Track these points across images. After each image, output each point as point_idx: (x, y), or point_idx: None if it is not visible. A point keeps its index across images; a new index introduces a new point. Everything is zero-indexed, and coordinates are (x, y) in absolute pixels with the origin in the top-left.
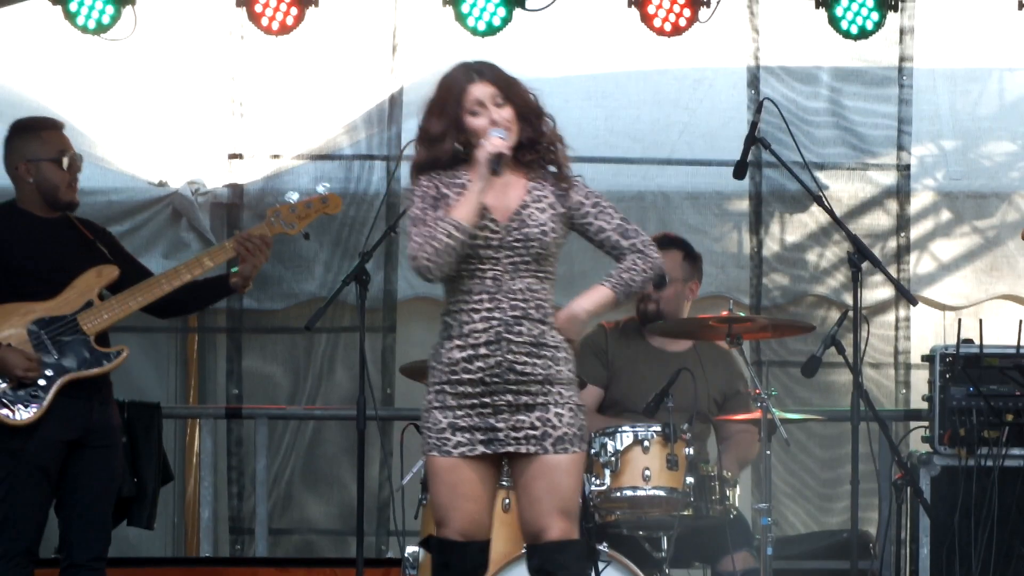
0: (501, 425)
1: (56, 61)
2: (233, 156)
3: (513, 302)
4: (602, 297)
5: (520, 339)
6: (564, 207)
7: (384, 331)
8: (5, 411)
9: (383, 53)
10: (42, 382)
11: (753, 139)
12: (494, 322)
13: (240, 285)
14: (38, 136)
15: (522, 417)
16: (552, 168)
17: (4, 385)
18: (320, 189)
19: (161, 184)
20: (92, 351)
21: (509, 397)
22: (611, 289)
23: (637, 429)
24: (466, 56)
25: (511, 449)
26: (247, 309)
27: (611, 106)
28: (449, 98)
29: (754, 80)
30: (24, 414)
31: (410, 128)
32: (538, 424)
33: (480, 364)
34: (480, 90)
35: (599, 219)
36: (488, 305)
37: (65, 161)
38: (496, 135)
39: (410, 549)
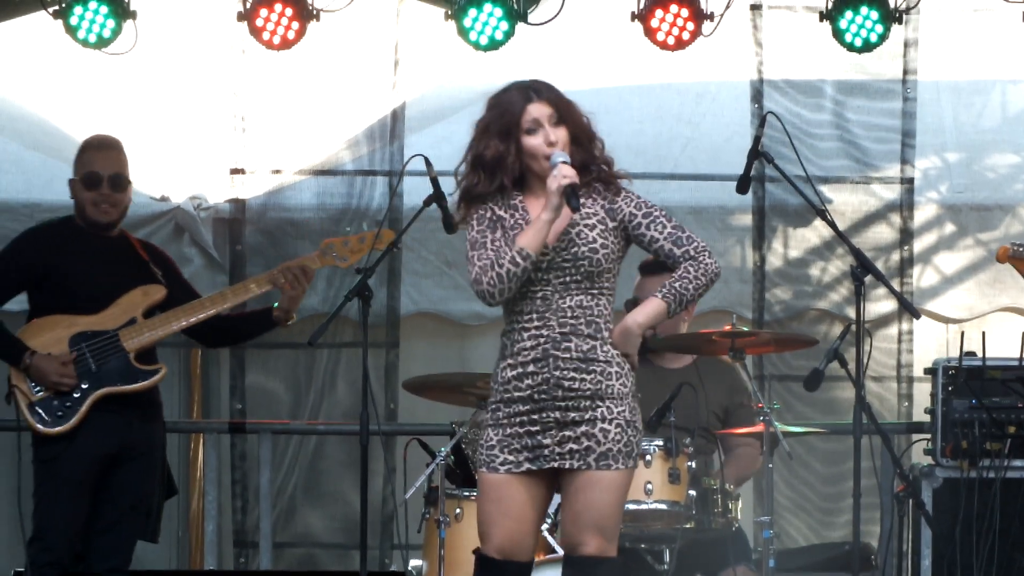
0: (548, 441)
1: (57, 75)
2: (235, 171)
3: (562, 319)
4: (655, 309)
5: (567, 355)
6: (615, 220)
7: (387, 347)
8: (38, 421)
9: (385, 67)
10: (77, 394)
11: (756, 153)
12: (542, 339)
13: (282, 319)
14: (80, 156)
15: (568, 432)
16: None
17: (41, 394)
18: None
19: (163, 199)
20: (130, 367)
21: (557, 414)
22: (663, 300)
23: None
24: (468, 71)
25: (555, 464)
26: None
27: (614, 120)
28: (507, 119)
29: (757, 94)
30: (57, 425)
31: (412, 143)
32: (583, 439)
33: (528, 382)
34: (537, 109)
35: (651, 229)
36: (537, 323)
37: (90, 181)
38: (561, 160)
39: (413, 563)
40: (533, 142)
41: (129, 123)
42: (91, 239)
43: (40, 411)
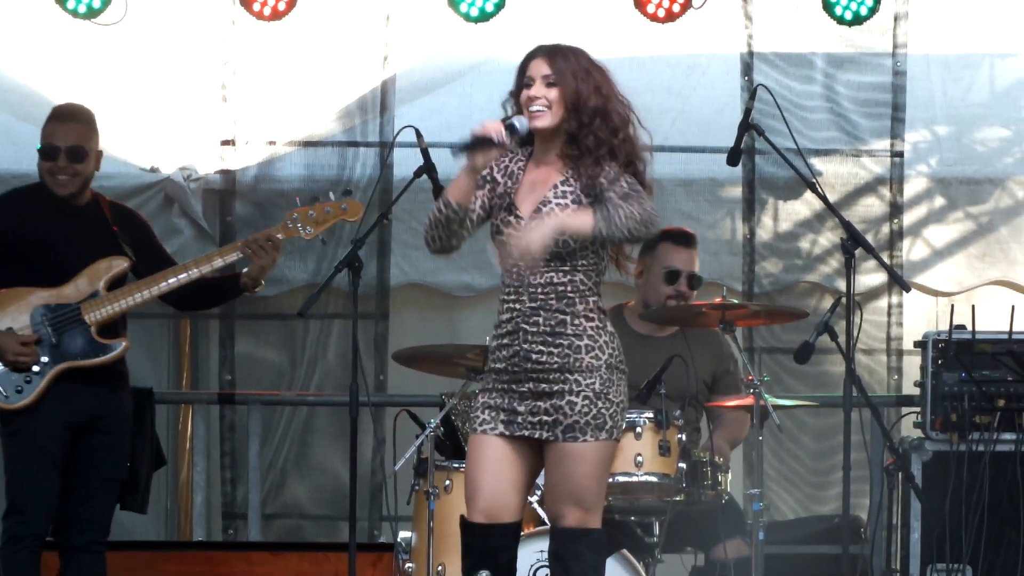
0: (521, 409)
1: (47, 46)
2: (225, 142)
3: (532, 294)
4: (580, 220)
5: (535, 329)
6: (590, 197)
7: (377, 318)
8: None
9: (376, 39)
10: (37, 368)
11: (747, 126)
12: (514, 313)
13: (250, 285)
14: (44, 126)
15: (540, 403)
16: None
17: (0, 369)
18: (332, 196)
19: (153, 170)
20: (92, 341)
21: (530, 384)
22: (593, 214)
23: (629, 415)
24: (459, 43)
25: (526, 433)
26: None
27: None
28: (519, 72)
29: (747, 67)
30: (16, 400)
31: (403, 114)
32: (551, 411)
33: (504, 353)
34: (536, 65)
35: (608, 190)
36: (512, 297)
37: (46, 151)
38: (515, 122)
39: (402, 534)
40: (523, 94)
41: (119, 94)
42: (59, 207)
43: None
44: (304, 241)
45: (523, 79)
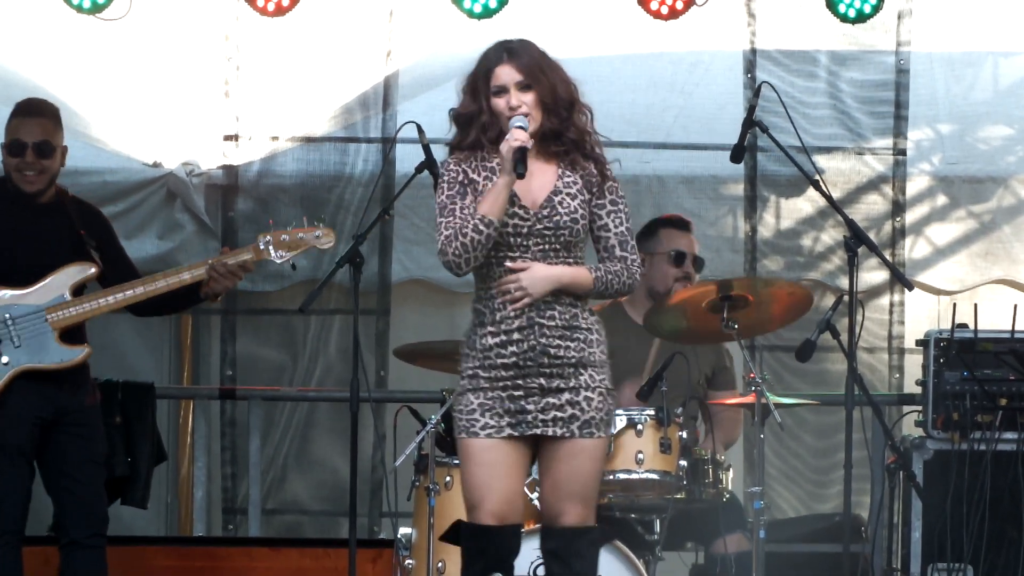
0: (531, 407)
1: (51, 41)
2: (228, 137)
3: None
4: (581, 279)
5: (552, 323)
6: (590, 193)
7: (378, 313)
8: None
9: (379, 35)
10: None
11: (751, 123)
12: (525, 307)
13: (210, 296)
14: (9, 121)
15: (552, 399)
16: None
17: None
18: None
19: (156, 165)
20: (54, 345)
21: (542, 380)
22: (593, 276)
23: (631, 413)
24: (462, 38)
25: (538, 431)
26: (241, 291)
27: (607, 90)
28: (479, 77)
29: (750, 64)
30: None
31: (405, 110)
32: (567, 407)
33: (513, 349)
34: (505, 72)
35: (609, 217)
36: None
37: (12, 147)
38: (516, 124)
39: (403, 530)
40: (498, 104)
41: (123, 89)
42: (24, 206)
43: None
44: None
45: (487, 87)
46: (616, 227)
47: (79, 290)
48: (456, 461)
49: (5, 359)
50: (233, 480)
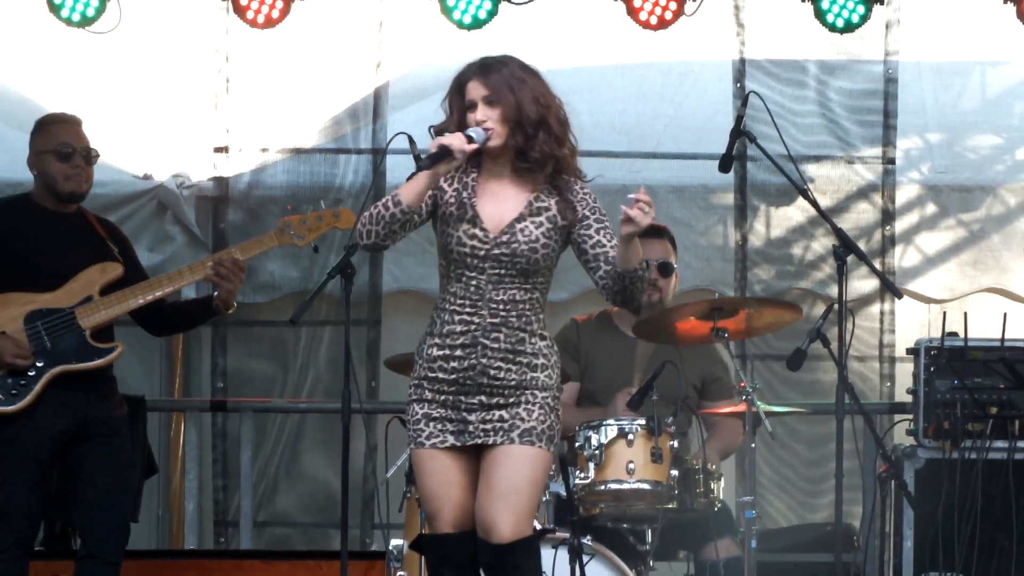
0: (472, 418)
1: (41, 54)
2: (218, 149)
3: (493, 310)
4: (639, 252)
5: (496, 345)
6: (566, 220)
7: (369, 324)
8: None
9: (369, 46)
10: (32, 373)
11: (739, 132)
12: (472, 326)
13: (222, 307)
14: (46, 130)
15: (493, 412)
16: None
17: None
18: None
19: (146, 177)
20: (86, 345)
21: (482, 397)
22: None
23: (621, 422)
24: (451, 49)
25: (479, 441)
26: None
27: (596, 100)
28: (453, 91)
29: (739, 74)
30: (11, 404)
31: (396, 121)
32: (507, 417)
33: (455, 364)
34: (473, 87)
35: (599, 234)
36: (469, 310)
37: (64, 152)
38: (467, 132)
39: (394, 542)
40: (469, 118)
41: (113, 101)
42: (49, 216)
43: None
44: (296, 248)
45: (463, 102)
46: (610, 240)
47: (107, 290)
48: None
49: (40, 362)
50: (224, 492)
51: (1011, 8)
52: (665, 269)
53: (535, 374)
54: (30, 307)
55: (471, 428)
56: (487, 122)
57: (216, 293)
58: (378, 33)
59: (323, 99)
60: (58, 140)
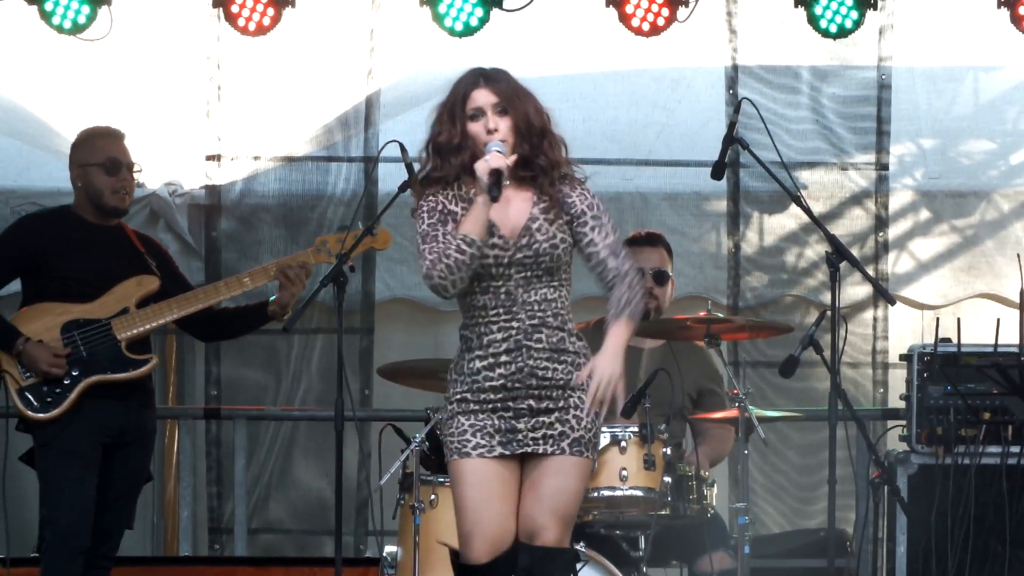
0: (521, 426)
1: (32, 61)
2: (210, 157)
3: (530, 312)
4: (626, 334)
5: (540, 345)
6: (568, 214)
7: (362, 332)
8: (27, 406)
9: (360, 54)
10: (67, 381)
11: (731, 139)
12: (512, 331)
13: (278, 313)
14: (91, 143)
15: (542, 419)
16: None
17: (32, 380)
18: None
19: (138, 185)
20: (121, 356)
21: (531, 401)
22: (628, 320)
23: (614, 429)
24: (443, 57)
25: (529, 449)
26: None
27: (589, 107)
28: (455, 103)
29: (732, 80)
30: (45, 411)
31: (387, 129)
32: (557, 425)
33: (501, 371)
34: (481, 96)
35: (594, 232)
36: (505, 317)
37: (111, 167)
38: (494, 148)
39: (388, 549)
40: (474, 128)
41: (104, 109)
42: (89, 229)
43: (29, 397)
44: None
45: (464, 111)
46: (603, 239)
47: (143, 303)
48: (441, 479)
49: (75, 371)
50: (219, 500)
51: (1005, 13)
52: (660, 278)
53: (579, 372)
54: (67, 317)
55: (520, 436)
56: (499, 131)
57: (273, 299)
58: (369, 40)
59: (315, 107)
60: (105, 154)
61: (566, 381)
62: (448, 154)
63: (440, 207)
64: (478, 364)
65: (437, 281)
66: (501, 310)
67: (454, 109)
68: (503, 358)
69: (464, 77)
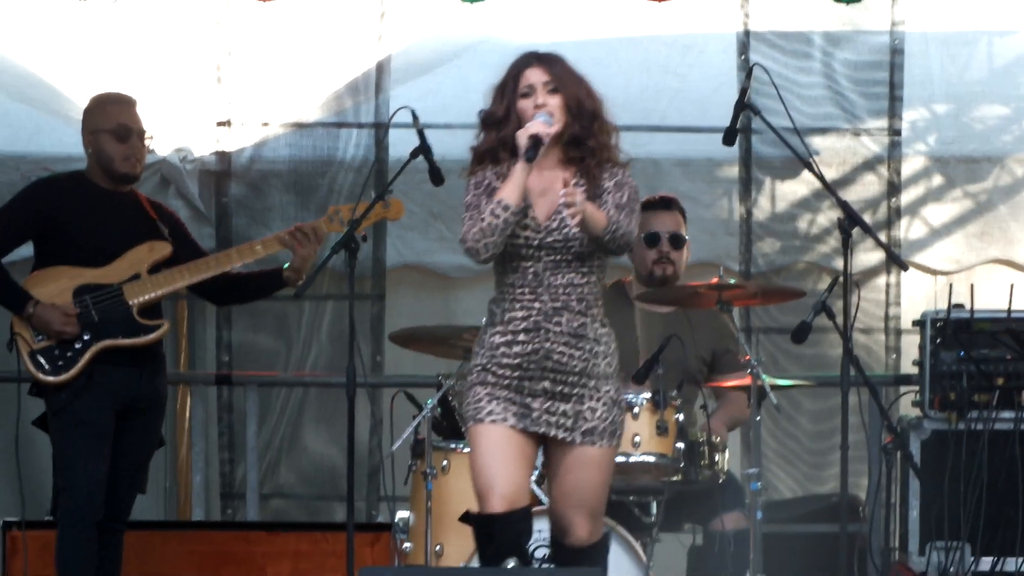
0: (536, 406)
1: (42, 26)
2: (221, 123)
3: (553, 295)
4: (599, 216)
5: (559, 329)
6: (599, 199)
7: (373, 299)
8: (38, 369)
9: (371, 19)
10: (78, 345)
11: (743, 105)
12: (533, 311)
13: (292, 279)
14: (103, 109)
15: (558, 404)
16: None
17: (43, 343)
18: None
19: (148, 151)
20: (133, 321)
21: (546, 383)
22: (608, 218)
23: (627, 396)
24: (454, 22)
25: (542, 430)
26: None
27: (601, 73)
28: (508, 80)
29: (744, 46)
30: (57, 374)
31: (398, 95)
32: (571, 413)
33: (518, 350)
34: (534, 74)
35: (608, 195)
36: (529, 296)
37: (122, 133)
38: (539, 119)
39: (400, 514)
40: (523, 104)
41: (115, 75)
42: (101, 194)
43: (41, 359)
44: (295, 222)
45: (517, 88)
46: (617, 201)
47: (155, 269)
48: (453, 445)
49: (86, 336)
50: (231, 465)
51: None
52: (676, 241)
53: (596, 361)
54: (79, 281)
55: (534, 415)
56: (547, 107)
57: (288, 264)
58: (380, 5)
59: (325, 72)
60: (116, 120)
61: (583, 368)
62: (491, 127)
63: (487, 182)
64: (498, 339)
65: (471, 244)
66: (526, 289)
67: (505, 86)
68: (521, 337)
69: (519, 59)
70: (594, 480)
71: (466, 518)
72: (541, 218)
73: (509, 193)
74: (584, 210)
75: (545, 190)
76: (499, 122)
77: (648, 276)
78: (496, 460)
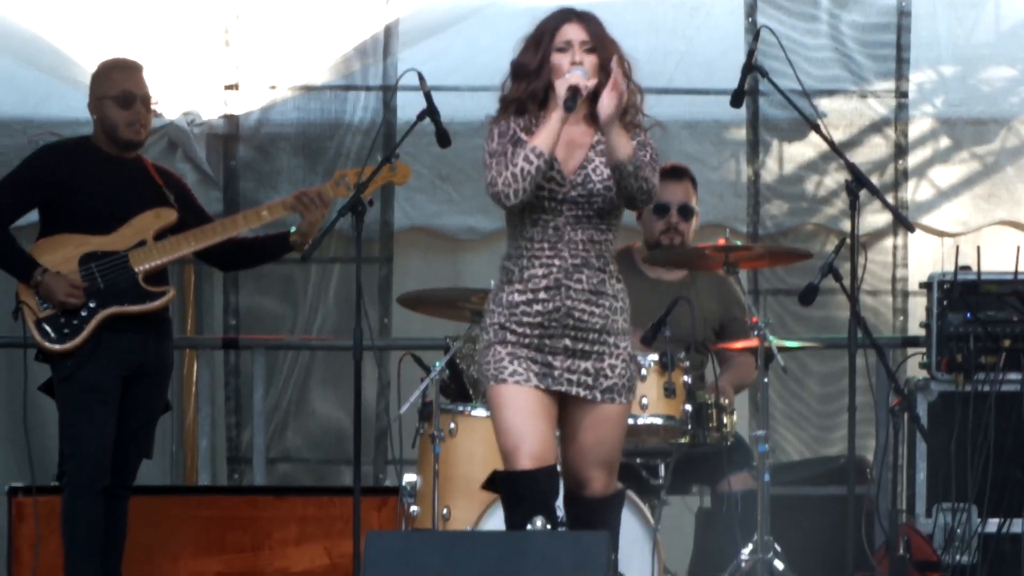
0: (557, 364)
1: None
2: (228, 87)
3: (574, 251)
4: (625, 142)
5: (579, 286)
6: None
7: (381, 262)
8: (44, 337)
9: None
10: (84, 313)
11: (750, 67)
12: (554, 268)
13: (299, 243)
14: (108, 75)
15: (578, 362)
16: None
17: (49, 311)
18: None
19: (156, 115)
20: (138, 288)
21: (567, 341)
22: (632, 151)
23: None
24: None
25: (563, 389)
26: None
27: None
28: (544, 34)
29: (751, 8)
30: (62, 342)
31: (406, 58)
32: (592, 371)
33: (539, 308)
34: (572, 30)
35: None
36: (549, 253)
37: (125, 99)
38: (577, 71)
39: (407, 478)
40: (559, 59)
41: (122, 38)
42: (107, 160)
43: (47, 327)
44: (302, 185)
45: (551, 43)
46: (641, 158)
47: (160, 236)
48: (461, 408)
49: (92, 303)
50: (237, 429)
51: None
52: (686, 212)
53: (616, 317)
54: (84, 249)
55: (555, 373)
56: (583, 64)
57: (295, 228)
58: None
59: (332, 36)
60: (120, 87)
61: (603, 326)
62: (522, 78)
63: (512, 132)
64: (517, 298)
65: (500, 188)
66: (546, 244)
67: (541, 39)
68: (542, 295)
69: (556, 12)
70: (612, 436)
71: (490, 484)
72: (567, 171)
73: (543, 140)
74: (619, 117)
75: (572, 146)
76: (530, 74)
77: (655, 245)
78: (522, 418)
